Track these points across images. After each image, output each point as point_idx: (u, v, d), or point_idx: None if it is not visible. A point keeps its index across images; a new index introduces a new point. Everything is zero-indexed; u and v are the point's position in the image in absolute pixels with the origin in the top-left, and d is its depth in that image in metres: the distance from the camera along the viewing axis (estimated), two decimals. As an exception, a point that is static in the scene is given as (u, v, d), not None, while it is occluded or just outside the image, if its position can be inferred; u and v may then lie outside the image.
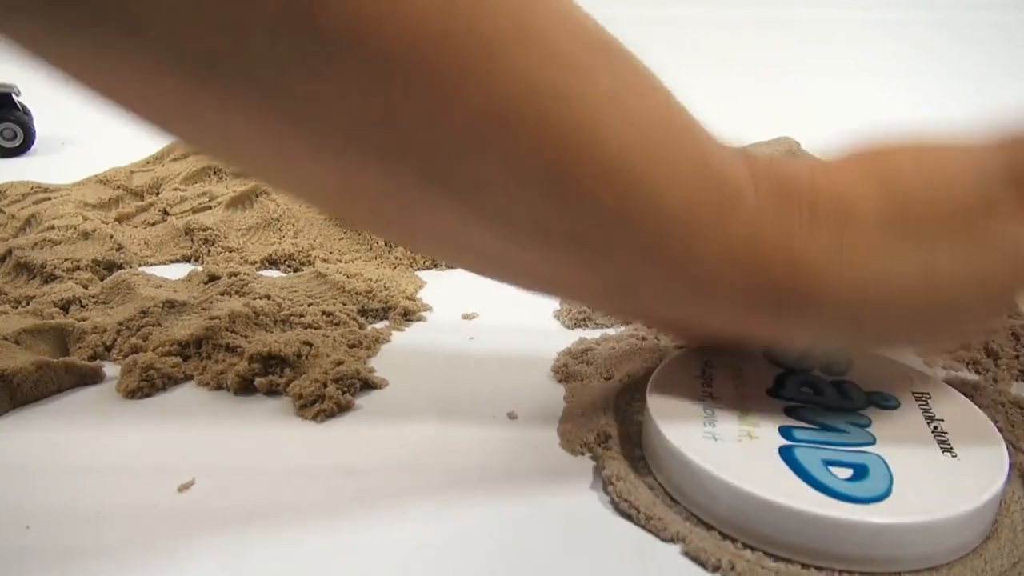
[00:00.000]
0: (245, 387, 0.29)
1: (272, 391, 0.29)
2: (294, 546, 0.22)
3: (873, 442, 0.22)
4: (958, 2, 0.90)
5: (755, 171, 0.21)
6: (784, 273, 0.21)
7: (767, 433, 0.23)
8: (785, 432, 0.23)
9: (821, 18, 0.88)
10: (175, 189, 0.50)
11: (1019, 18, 0.90)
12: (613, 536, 0.22)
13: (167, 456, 0.26)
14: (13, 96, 0.64)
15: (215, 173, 0.53)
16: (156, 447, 0.26)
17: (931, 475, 0.21)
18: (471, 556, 0.22)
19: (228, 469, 0.25)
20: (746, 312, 0.22)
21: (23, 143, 0.64)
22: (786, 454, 0.22)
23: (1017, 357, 0.30)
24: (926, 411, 0.24)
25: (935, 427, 0.23)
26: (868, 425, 0.23)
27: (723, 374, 0.26)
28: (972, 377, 0.30)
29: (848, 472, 0.21)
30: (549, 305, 0.36)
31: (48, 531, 0.23)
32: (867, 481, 0.21)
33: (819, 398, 0.25)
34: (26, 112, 0.65)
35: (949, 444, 0.22)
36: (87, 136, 0.70)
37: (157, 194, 0.51)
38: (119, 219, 0.46)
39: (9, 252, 0.39)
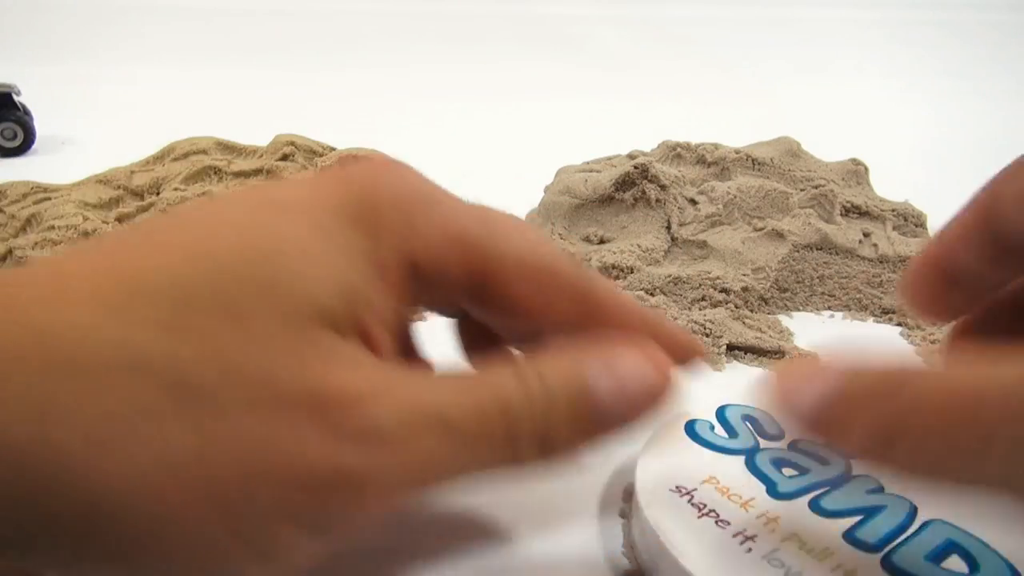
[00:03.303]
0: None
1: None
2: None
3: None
4: (958, 2, 0.91)
5: None
6: None
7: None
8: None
9: (821, 18, 0.88)
10: (175, 189, 0.50)
11: (1019, 18, 0.90)
12: (611, 537, 0.23)
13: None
14: (13, 96, 0.64)
15: (215, 173, 0.53)
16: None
17: None
18: (469, 555, 0.22)
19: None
20: None
21: (23, 143, 0.64)
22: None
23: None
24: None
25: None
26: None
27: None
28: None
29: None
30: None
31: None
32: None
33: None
34: (26, 112, 0.65)
35: None
36: (87, 136, 0.70)
37: (157, 194, 0.51)
38: (119, 219, 0.46)
39: (9, 252, 0.39)
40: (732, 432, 0.23)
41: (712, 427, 0.24)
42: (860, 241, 0.38)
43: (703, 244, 0.39)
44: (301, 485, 0.14)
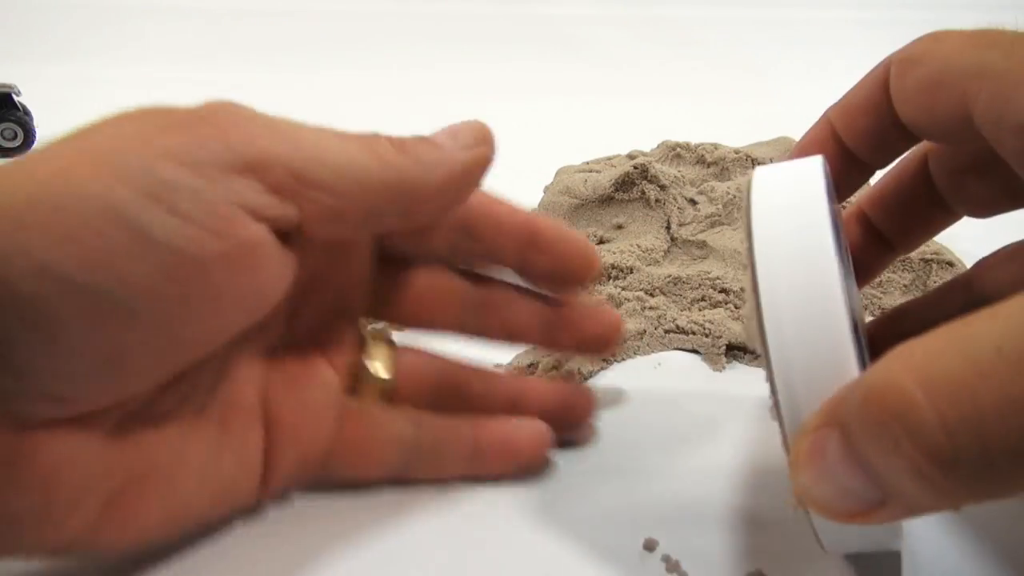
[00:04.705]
0: (245, 387, 0.29)
1: (272, 391, 0.29)
2: (293, 546, 0.22)
3: None
4: (957, 2, 0.90)
5: None
6: None
7: None
8: None
9: (821, 18, 0.88)
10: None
11: (1019, 18, 0.90)
12: (613, 535, 0.23)
13: (167, 456, 0.26)
14: (13, 96, 0.64)
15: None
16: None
17: None
18: (471, 555, 0.22)
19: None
20: None
21: (23, 143, 0.64)
22: None
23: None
24: None
25: None
26: None
27: None
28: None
29: None
30: (549, 305, 0.36)
31: (48, 531, 0.22)
32: None
33: None
34: (26, 112, 0.65)
35: None
36: (87, 136, 0.69)
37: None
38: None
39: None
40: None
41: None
42: (860, 241, 0.38)
43: (703, 244, 0.39)
44: (169, 126, 0.19)
